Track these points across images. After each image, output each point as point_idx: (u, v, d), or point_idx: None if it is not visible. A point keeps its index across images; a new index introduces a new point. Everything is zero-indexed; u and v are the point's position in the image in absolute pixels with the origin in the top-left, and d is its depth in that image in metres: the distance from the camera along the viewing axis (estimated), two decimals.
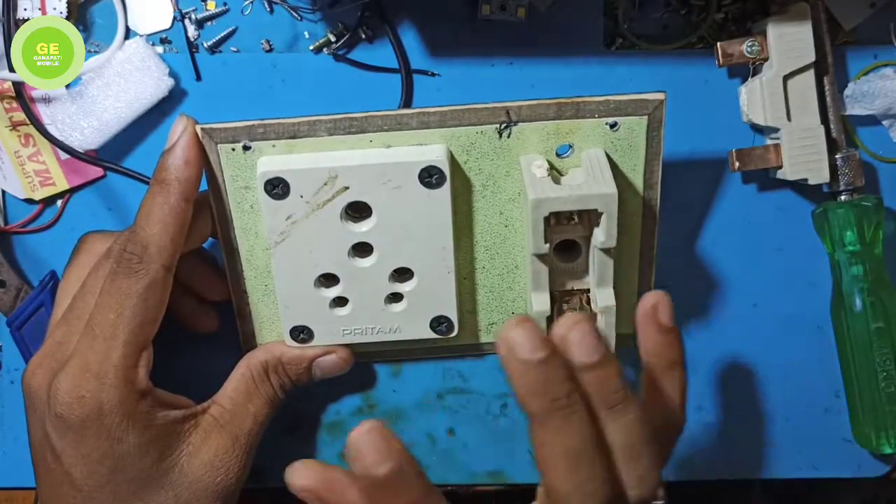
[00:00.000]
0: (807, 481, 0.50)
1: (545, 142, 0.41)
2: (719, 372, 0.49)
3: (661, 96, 0.40)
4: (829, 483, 0.51)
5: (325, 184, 0.40)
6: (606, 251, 0.40)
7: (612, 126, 0.40)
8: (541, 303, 0.41)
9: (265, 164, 0.40)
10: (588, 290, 0.42)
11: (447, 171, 0.40)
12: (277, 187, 0.40)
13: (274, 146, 0.40)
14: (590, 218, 0.40)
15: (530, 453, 0.49)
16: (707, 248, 0.49)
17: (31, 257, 0.47)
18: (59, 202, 0.47)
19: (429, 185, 0.40)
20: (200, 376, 0.44)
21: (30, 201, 0.47)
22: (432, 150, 0.40)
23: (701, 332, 0.49)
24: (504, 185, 0.42)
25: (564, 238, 0.41)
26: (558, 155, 0.41)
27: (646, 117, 0.40)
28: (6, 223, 0.47)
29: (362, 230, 0.41)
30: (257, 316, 0.45)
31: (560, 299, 0.42)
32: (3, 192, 0.47)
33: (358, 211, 0.41)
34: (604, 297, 0.41)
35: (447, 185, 0.40)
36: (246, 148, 0.40)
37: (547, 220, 0.39)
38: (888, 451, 0.46)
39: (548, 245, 0.39)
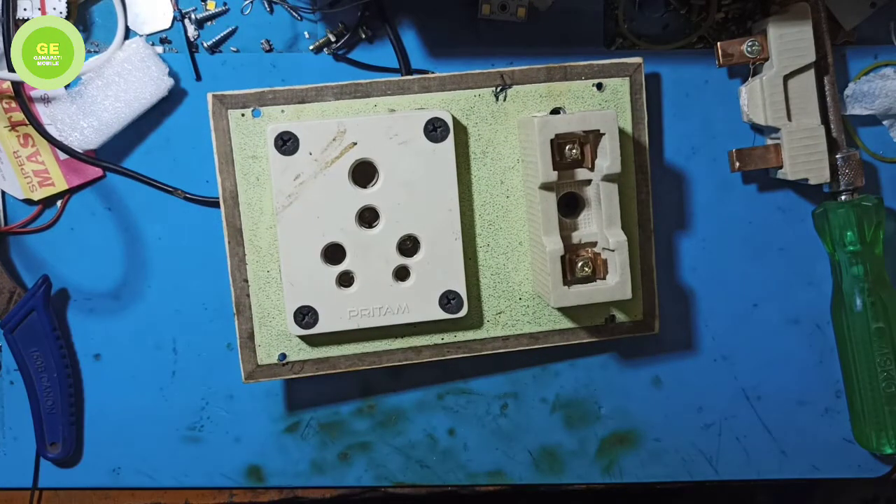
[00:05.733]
0: (807, 481, 0.50)
1: (539, 104, 0.44)
2: (719, 372, 0.49)
3: (638, 60, 0.45)
4: (830, 483, 0.51)
5: (333, 139, 0.41)
6: (611, 180, 0.42)
7: (599, 87, 0.44)
8: (553, 242, 0.42)
9: (275, 123, 0.42)
10: (595, 244, 0.43)
11: (450, 123, 0.42)
12: (287, 142, 0.41)
13: (283, 111, 0.42)
14: (592, 149, 0.42)
15: (530, 453, 0.49)
16: (707, 248, 0.49)
17: (31, 258, 0.47)
18: (59, 202, 0.47)
19: (433, 139, 0.42)
20: None
21: (29, 202, 0.47)
22: (435, 110, 0.43)
23: (701, 332, 0.49)
24: (503, 151, 0.44)
25: (567, 191, 0.43)
26: None
27: (627, 78, 0.44)
28: (5, 223, 0.47)
29: (369, 192, 0.42)
30: (257, 309, 0.45)
31: (571, 252, 0.43)
32: (3, 192, 0.47)
33: (365, 179, 0.42)
34: (614, 235, 0.42)
35: (451, 138, 0.42)
36: (255, 113, 0.42)
37: (552, 152, 0.41)
38: (888, 451, 0.46)
39: (556, 173, 0.41)
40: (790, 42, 0.45)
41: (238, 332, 0.45)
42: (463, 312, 0.44)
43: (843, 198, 0.47)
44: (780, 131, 0.46)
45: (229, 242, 0.44)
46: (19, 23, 0.44)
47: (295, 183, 0.42)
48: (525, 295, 0.46)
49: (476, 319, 0.46)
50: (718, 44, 0.45)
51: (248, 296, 0.44)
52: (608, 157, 0.41)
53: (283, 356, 0.45)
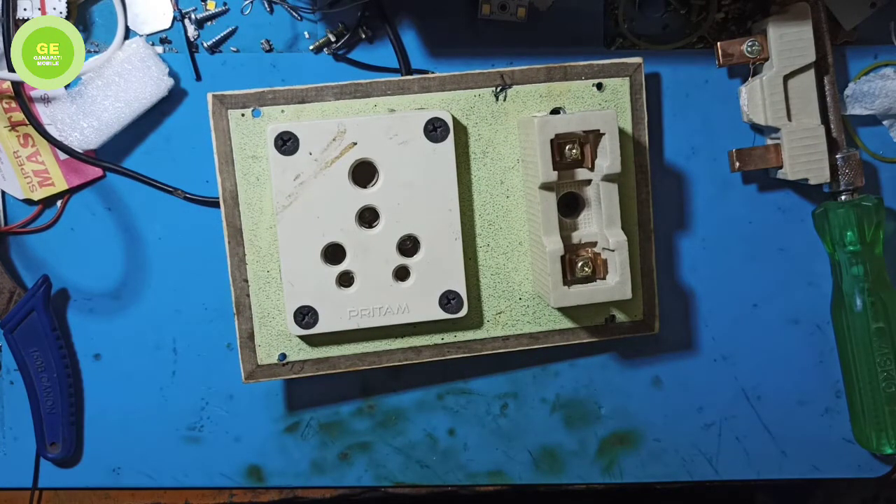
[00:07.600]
0: (807, 481, 0.50)
1: (539, 104, 0.44)
2: (719, 372, 0.49)
3: (638, 60, 0.45)
4: (830, 483, 0.51)
5: (333, 139, 0.41)
6: (611, 180, 0.42)
7: (599, 87, 0.44)
8: (553, 242, 0.42)
9: (275, 123, 0.42)
10: (595, 244, 0.43)
11: (450, 123, 0.42)
12: (287, 142, 0.41)
13: (283, 111, 0.42)
14: (592, 149, 0.42)
15: (530, 453, 0.49)
16: (707, 248, 0.49)
17: (31, 258, 0.47)
18: (59, 202, 0.47)
19: (433, 139, 0.42)
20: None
21: (29, 202, 0.47)
22: (435, 110, 0.43)
23: (701, 332, 0.49)
24: (503, 151, 0.44)
25: (567, 191, 0.43)
26: None
27: (627, 78, 0.44)
28: (5, 223, 0.47)
29: (369, 192, 0.42)
30: (257, 309, 0.45)
31: (571, 252, 0.43)
32: (3, 192, 0.47)
33: (365, 179, 0.43)
34: (614, 234, 0.42)
35: (451, 138, 0.42)
36: (255, 113, 0.42)
37: (552, 152, 0.41)
38: (888, 451, 0.46)
39: (556, 173, 0.41)
40: (790, 42, 0.45)
41: (238, 332, 0.45)
42: (463, 312, 0.44)
43: (843, 198, 0.47)
44: (780, 131, 0.46)
45: (229, 242, 0.44)
46: (19, 23, 0.44)
47: (295, 183, 0.42)
48: (525, 295, 0.46)
49: (476, 319, 0.46)
50: (718, 44, 0.45)
51: (248, 296, 0.44)
52: (608, 157, 0.41)
53: (283, 356, 0.45)
